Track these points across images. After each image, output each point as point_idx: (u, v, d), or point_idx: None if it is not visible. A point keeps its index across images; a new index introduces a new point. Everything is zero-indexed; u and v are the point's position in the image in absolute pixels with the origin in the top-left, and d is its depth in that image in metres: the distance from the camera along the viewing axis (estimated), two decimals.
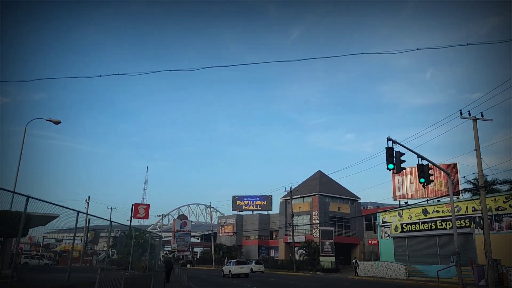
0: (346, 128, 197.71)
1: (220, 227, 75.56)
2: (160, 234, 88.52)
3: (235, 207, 74.97)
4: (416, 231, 35.25)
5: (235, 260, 39.80)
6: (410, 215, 36.17)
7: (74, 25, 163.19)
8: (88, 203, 55.47)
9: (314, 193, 56.57)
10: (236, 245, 68.37)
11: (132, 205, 40.03)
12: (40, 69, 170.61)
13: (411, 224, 35.88)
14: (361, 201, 60.59)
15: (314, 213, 55.91)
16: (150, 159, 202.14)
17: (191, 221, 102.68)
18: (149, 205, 40.60)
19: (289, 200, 59.69)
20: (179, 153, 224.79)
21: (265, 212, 72.77)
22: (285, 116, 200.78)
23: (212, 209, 66.96)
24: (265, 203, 73.86)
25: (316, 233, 54.55)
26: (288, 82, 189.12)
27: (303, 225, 55.52)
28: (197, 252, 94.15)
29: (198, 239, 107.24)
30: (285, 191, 50.55)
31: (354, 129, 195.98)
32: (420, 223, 35.02)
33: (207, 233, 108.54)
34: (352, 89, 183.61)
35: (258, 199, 74.16)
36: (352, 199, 59.61)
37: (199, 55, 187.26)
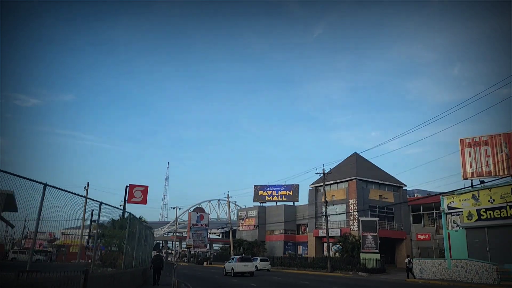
0: (371, 126, 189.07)
1: (240, 220, 67.17)
2: (174, 229, 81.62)
3: (257, 197, 66.46)
4: (501, 218, 25.74)
5: (238, 256, 34.71)
6: (491, 197, 26.64)
7: (103, 26, 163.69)
8: (87, 190, 48.06)
9: (350, 178, 47.35)
10: (259, 241, 59.87)
11: (126, 186, 32.10)
12: (68, 70, 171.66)
13: (493, 209, 26.37)
14: (406, 188, 50.82)
15: (351, 201, 46.67)
16: (175, 158, 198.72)
17: (211, 217, 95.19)
18: (147, 186, 32.52)
19: (320, 188, 50.73)
20: (203, 153, 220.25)
21: (291, 203, 64.01)
22: (308, 114, 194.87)
23: (231, 202, 58.71)
24: (291, 193, 65.05)
25: (354, 225, 45.38)
26: (312, 80, 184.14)
27: (339, 213, 46.22)
28: (217, 250, 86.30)
29: (219, 236, 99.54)
30: (316, 173, 41.70)
31: (379, 127, 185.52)
32: (508, 207, 25.48)
33: (228, 229, 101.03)
34: (377, 86, 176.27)
35: (283, 188, 65.41)
36: (396, 185, 49.98)
37: (223, 54, 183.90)
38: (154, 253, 26.84)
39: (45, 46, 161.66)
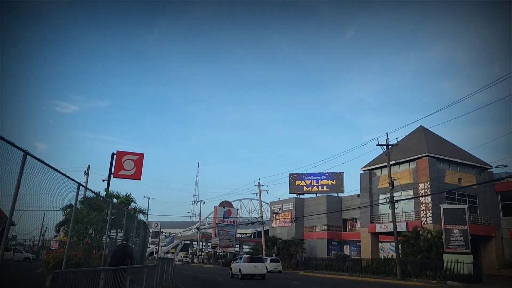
0: (405, 128, 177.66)
1: (274, 215, 56.85)
2: (198, 227, 72.41)
3: (293, 188, 56.03)
4: None
5: (248, 255, 30.46)
6: None
7: (136, 33, 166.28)
8: (87, 174, 39.32)
9: (419, 155, 36.05)
10: (296, 239, 49.37)
11: (112, 154, 22.66)
12: (105, 77, 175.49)
13: None
14: (492, 170, 38.69)
15: (421, 186, 35.31)
16: (206, 162, 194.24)
17: (243, 217, 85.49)
18: (142, 155, 23.00)
19: (376, 170, 39.76)
20: (234, 156, 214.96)
21: (334, 195, 53.19)
22: (340, 116, 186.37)
23: (262, 191, 48.57)
24: (334, 182, 54.19)
25: (427, 216, 34.09)
26: (343, 83, 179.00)
27: (409, 197, 34.71)
28: (248, 251, 76.60)
29: (250, 236, 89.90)
30: (377, 145, 30.36)
31: (413, 128, 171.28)
32: None
33: (260, 229, 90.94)
34: (411, 87, 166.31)
35: (324, 177, 54.65)
36: (480, 166, 38.12)
37: (253, 58, 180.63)
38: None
39: (84, 55, 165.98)
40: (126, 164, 22.26)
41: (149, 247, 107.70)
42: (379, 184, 38.93)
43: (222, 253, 62.90)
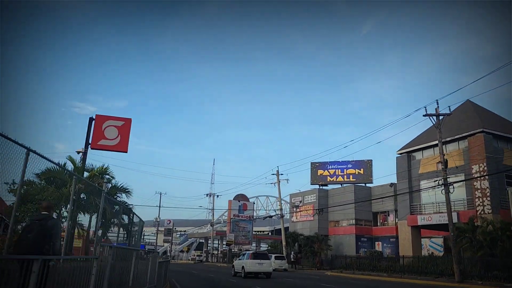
0: (422, 124, 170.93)
1: (294, 209, 51.26)
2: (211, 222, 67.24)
3: (315, 178, 50.38)
4: None
5: (251, 251, 27.62)
6: None
7: (152, 33, 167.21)
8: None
9: (472, 132, 29.97)
10: (320, 235, 43.70)
11: (91, 118, 17.57)
12: (122, 78, 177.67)
13: None
14: None
15: (475, 168, 29.21)
16: (223, 160, 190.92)
17: (260, 214, 79.93)
18: (129, 120, 17.81)
19: (415, 153, 33.90)
20: (252, 154, 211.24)
21: (362, 185, 47.38)
22: (359, 114, 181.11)
23: (282, 180, 42.87)
24: (361, 171, 48.33)
25: (485, 205, 28.03)
26: (361, 79, 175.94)
27: (459, 181, 28.70)
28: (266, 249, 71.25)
29: (268, 234, 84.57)
30: (425, 115, 24.34)
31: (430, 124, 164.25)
32: None
33: (278, 227, 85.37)
34: (431, 83, 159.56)
35: (350, 166, 48.85)
36: None
37: (268, 55, 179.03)
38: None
39: (102, 56, 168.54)
40: (109, 131, 17.14)
41: (163, 246, 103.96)
42: (420, 169, 33.04)
43: (237, 251, 57.71)
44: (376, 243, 43.55)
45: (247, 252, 27.44)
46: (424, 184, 32.00)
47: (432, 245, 36.52)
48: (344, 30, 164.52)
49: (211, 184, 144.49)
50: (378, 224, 44.38)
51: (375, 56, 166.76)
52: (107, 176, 16.00)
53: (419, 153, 33.83)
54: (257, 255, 24.77)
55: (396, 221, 42.14)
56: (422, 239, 35.25)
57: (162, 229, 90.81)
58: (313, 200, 48.07)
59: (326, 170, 49.96)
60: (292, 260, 41.86)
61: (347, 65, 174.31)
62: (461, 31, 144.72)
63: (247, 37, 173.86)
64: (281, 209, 42.74)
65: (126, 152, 17.57)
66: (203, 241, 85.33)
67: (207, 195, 57.07)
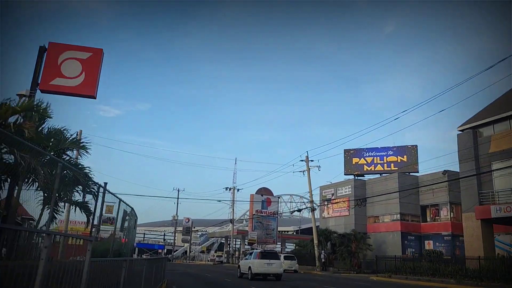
0: (446, 125, 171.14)
1: (325, 203, 44.69)
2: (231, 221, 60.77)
3: (349, 168, 43.78)
4: None
5: (259, 250, 23.75)
6: None
7: (172, 36, 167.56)
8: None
9: None
10: (358, 233, 37.10)
11: (42, 47, 11.67)
12: (144, 81, 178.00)
13: None
14: None
15: None
16: (243, 162, 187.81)
17: (284, 215, 73.22)
18: (98, 51, 11.95)
19: (483, 128, 27.07)
20: (272, 155, 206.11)
21: (406, 174, 40.47)
22: (380, 114, 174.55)
23: (313, 167, 36.30)
24: (404, 158, 41.47)
25: None
26: (382, 79, 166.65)
27: None
28: (292, 249, 64.89)
29: (293, 234, 78.24)
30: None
31: (456, 125, 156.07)
32: None
33: (304, 227, 78.83)
34: (453, 83, 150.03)
35: (391, 152, 42.07)
36: None
37: (288, 56, 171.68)
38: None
39: (125, 60, 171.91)
40: (67, 67, 11.38)
41: (182, 246, 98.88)
42: (490, 147, 26.09)
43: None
44: (426, 242, 36.58)
45: (254, 250, 24.43)
46: (496, 165, 25.14)
47: (498, 244, 29.52)
48: (365, 30, 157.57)
49: (233, 183, 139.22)
50: (428, 219, 37.39)
51: (398, 55, 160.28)
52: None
53: (488, 128, 26.88)
54: (265, 254, 21.95)
55: (451, 215, 35.17)
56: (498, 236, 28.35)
57: (181, 228, 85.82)
58: (348, 192, 41.48)
59: (362, 158, 43.29)
60: (323, 261, 35.59)
61: (369, 65, 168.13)
62: (488, 28, 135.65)
63: (265, 38, 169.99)
64: (312, 201, 36.35)
65: (94, 97, 11.73)
66: (224, 241, 79.79)
67: (226, 188, 51.19)
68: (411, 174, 40.41)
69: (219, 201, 52.63)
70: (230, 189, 51.34)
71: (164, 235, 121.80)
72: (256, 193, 52.58)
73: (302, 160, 36.32)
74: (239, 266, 24.44)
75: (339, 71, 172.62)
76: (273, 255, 22.30)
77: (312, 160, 36.48)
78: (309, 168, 36.30)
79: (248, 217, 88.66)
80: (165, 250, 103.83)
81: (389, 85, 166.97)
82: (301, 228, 77.37)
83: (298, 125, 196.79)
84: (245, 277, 22.04)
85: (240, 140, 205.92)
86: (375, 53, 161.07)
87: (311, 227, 37.47)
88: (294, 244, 59.08)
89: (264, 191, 52.90)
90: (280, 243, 60.95)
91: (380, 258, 30.34)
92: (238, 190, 52.05)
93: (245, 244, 70.05)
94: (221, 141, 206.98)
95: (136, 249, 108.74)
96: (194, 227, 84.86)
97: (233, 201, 51.64)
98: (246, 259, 23.84)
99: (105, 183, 7.32)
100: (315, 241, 35.48)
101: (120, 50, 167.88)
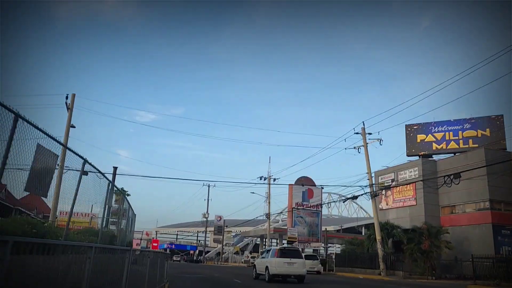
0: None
1: (382, 191, 36.09)
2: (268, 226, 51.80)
3: (413, 147, 35.24)
4: None
5: (277, 248, 20.51)
6: None
7: (206, 40, 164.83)
8: (69, 104, 22.65)
9: None
10: (433, 226, 28.47)
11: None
12: (178, 85, 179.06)
13: None
14: None
15: None
16: (276, 164, 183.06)
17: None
18: None
19: None
20: (306, 156, 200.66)
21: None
22: (416, 112, 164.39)
23: (372, 140, 27.96)
24: (486, 132, 32.49)
25: None
26: (418, 76, 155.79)
27: None
28: (337, 251, 56.50)
29: (336, 232, 69.67)
30: None
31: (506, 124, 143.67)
32: None
33: (346, 226, 70.08)
34: (495, 77, 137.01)
35: (468, 125, 33.22)
36: None
37: (320, 56, 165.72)
38: None
39: (160, 65, 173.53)
40: None
41: (215, 247, 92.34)
42: None
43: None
44: None
45: (272, 248, 21.88)
46: None
47: None
48: (400, 26, 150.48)
49: (268, 172, 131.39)
50: None
51: (435, 51, 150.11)
52: None
53: None
54: (285, 252, 19.14)
55: None
56: None
57: (212, 228, 79.40)
58: (413, 176, 32.92)
59: (430, 135, 34.62)
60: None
61: (405, 62, 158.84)
62: None
63: (298, 39, 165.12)
64: (372, 185, 28.09)
65: None
66: (259, 241, 72.48)
67: (261, 178, 43.65)
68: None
69: (253, 193, 44.66)
70: (265, 178, 43.72)
71: (197, 235, 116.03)
72: (295, 183, 44.71)
73: (357, 133, 28.23)
74: (254, 265, 21.49)
75: (373, 69, 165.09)
76: (294, 253, 19.16)
77: (370, 133, 28.33)
78: (367, 143, 28.14)
79: (284, 216, 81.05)
80: (197, 251, 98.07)
81: (426, 82, 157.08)
82: (342, 227, 68.98)
83: (331, 127, 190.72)
84: (262, 278, 19.26)
85: (273, 142, 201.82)
86: (411, 49, 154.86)
87: (353, 227, 29.32)
88: (342, 244, 50.72)
89: (305, 181, 44.92)
90: (323, 242, 52.68)
91: (479, 259, 21.73)
92: (274, 179, 44.27)
93: (283, 244, 62.57)
94: (256, 145, 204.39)
95: (168, 250, 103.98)
96: (226, 226, 77.93)
97: (269, 192, 43.81)
98: (262, 257, 20.69)
99: None
100: (378, 237, 27.27)
101: (154, 56, 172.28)
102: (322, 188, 45.23)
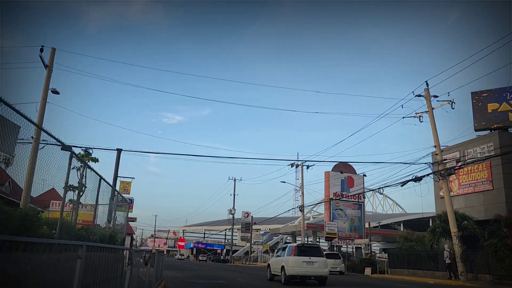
0: None
1: (441, 175, 29.27)
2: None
3: (482, 119, 28.33)
4: None
5: (295, 244, 17.72)
6: None
7: (227, 41, 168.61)
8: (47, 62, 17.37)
9: None
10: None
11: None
12: (204, 86, 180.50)
13: None
14: None
15: None
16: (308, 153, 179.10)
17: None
18: None
19: None
20: (335, 156, 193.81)
21: None
22: (447, 107, 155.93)
23: (435, 103, 21.55)
24: None
25: None
26: (450, 70, 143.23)
27: None
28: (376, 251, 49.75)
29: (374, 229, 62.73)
30: None
31: None
32: None
33: (384, 222, 62.94)
34: None
35: None
36: None
37: (346, 53, 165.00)
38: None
39: (186, 67, 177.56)
40: None
41: (243, 246, 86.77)
42: None
43: (341, 248, 37.46)
44: None
45: (289, 245, 18.17)
46: None
47: None
48: (428, 20, 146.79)
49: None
50: None
51: (464, 44, 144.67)
52: None
53: None
54: (304, 250, 16.35)
55: None
56: None
57: (239, 226, 74.18)
58: (487, 152, 26.04)
59: (505, 103, 27.61)
60: (448, 263, 21.43)
61: (434, 57, 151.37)
62: None
63: (324, 37, 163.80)
64: (441, 161, 21.62)
65: None
66: (290, 239, 66.40)
67: (292, 165, 37.61)
68: None
69: (283, 182, 38.75)
70: (296, 165, 37.63)
71: (225, 234, 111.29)
72: (332, 170, 38.45)
73: (419, 95, 21.73)
74: (268, 265, 19.05)
75: (399, 65, 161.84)
76: (314, 251, 16.82)
77: (436, 96, 21.81)
78: (432, 108, 21.64)
79: (314, 213, 74.54)
80: (225, 250, 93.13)
81: (458, 77, 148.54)
82: (380, 223, 62.03)
83: (359, 125, 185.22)
84: (277, 279, 17.18)
85: (301, 141, 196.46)
86: (440, 43, 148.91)
87: (389, 224, 22.59)
88: (382, 241, 43.91)
89: (343, 167, 38.54)
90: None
91: None
92: (307, 167, 38.05)
93: (317, 240, 56.21)
94: (282, 144, 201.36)
95: (194, 249, 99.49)
96: (254, 223, 72.23)
97: (302, 183, 37.60)
98: (277, 256, 18.26)
99: None
100: (453, 230, 20.74)
101: (180, 57, 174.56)
102: (365, 175, 38.69)
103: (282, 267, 16.43)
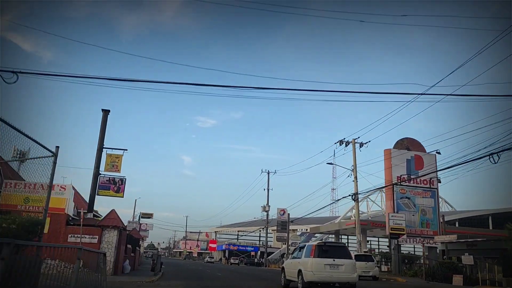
0: None
1: None
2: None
3: None
4: None
5: (315, 243, 14.40)
6: None
7: (258, 44, 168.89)
8: None
9: None
10: None
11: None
12: (236, 89, 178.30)
13: None
14: None
15: None
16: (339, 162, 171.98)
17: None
18: None
19: None
20: (373, 156, 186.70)
21: None
22: (493, 104, 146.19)
23: None
24: None
25: None
26: (493, 65, 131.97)
27: None
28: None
29: None
30: None
31: None
32: None
33: (449, 218, 52.50)
34: None
35: None
36: None
37: (378, 51, 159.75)
38: None
39: (218, 71, 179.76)
40: None
41: (279, 248, 78.37)
42: None
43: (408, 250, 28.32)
44: None
45: (307, 244, 14.80)
46: None
47: None
48: (466, 15, 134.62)
49: (333, 178, 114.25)
50: None
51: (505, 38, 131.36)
52: None
53: None
54: (326, 250, 13.50)
55: None
56: None
57: (274, 227, 66.32)
58: None
59: None
60: None
61: (474, 52, 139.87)
62: None
63: (358, 34, 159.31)
64: None
65: None
66: (333, 238, 57.39)
67: (341, 142, 28.90)
68: None
69: (330, 163, 30.16)
70: (346, 143, 28.89)
71: (259, 234, 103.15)
72: (393, 147, 29.40)
73: None
74: (282, 269, 15.83)
75: (439, 62, 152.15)
76: (339, 251, 13.67)
77: None
78: None
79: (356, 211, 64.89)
80: (259, 252, 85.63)
81: (502, 72, 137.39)
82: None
83: (395, 123, 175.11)
84: (293, 285, 14.12)
85: (335, 140, 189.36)
86: (481, 38, 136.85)
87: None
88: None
89: (410, 143, 29.38)
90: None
91: None
92: (361, 145, 29.12)
93: (368, 243, 46.95)
94: (317, 144, 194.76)
95: (227, 251, 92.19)
96: (291, 222, 63.67)
97: (354, 161, 28.56)
98: (294, 257, 15.02)
99: None
100: None
101: (211, 61, 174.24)
102: (438, 153, 29.19)
103: (299, 271, 13.77)
